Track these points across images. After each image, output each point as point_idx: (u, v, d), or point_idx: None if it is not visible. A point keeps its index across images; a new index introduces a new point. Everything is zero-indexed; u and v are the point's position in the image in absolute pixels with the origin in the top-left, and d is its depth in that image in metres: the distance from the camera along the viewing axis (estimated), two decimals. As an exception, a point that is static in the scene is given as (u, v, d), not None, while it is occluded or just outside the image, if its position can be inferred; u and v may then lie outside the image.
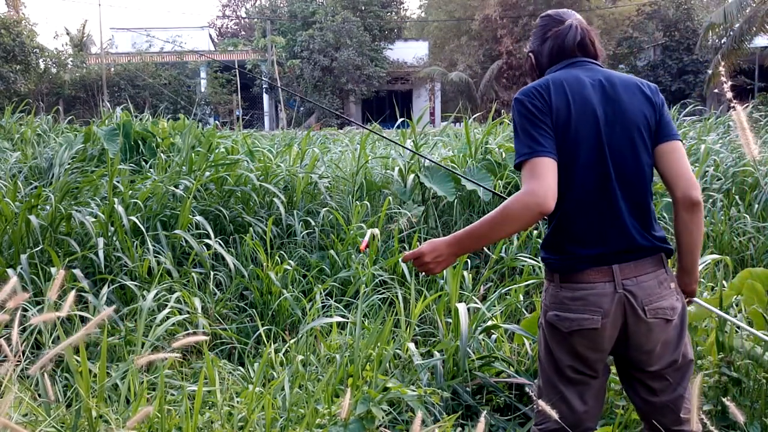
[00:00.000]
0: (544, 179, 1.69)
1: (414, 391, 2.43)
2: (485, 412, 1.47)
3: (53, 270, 3.40)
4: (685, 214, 1.82)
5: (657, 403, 1.84)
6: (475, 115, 8.07)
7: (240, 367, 3.02)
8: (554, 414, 1.57)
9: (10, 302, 1.46)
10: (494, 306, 3.40)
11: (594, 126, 1.77)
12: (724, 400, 1.83)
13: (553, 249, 1.84)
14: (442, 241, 1.85)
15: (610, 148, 1.77)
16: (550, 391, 1.88)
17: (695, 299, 2.07)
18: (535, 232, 4.56)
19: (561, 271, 1.81)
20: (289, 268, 3.90)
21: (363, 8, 28.25)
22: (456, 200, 4.98)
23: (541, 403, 1.63)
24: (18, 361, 1.56)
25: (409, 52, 30.44)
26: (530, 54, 2.05)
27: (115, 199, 4.08)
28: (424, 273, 2.09)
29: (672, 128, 1.84)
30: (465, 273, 3.72)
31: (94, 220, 3.96)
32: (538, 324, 1.96)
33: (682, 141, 1.85)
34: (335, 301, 3.73)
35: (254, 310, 3.71)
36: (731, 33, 17.86)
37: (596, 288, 1.76)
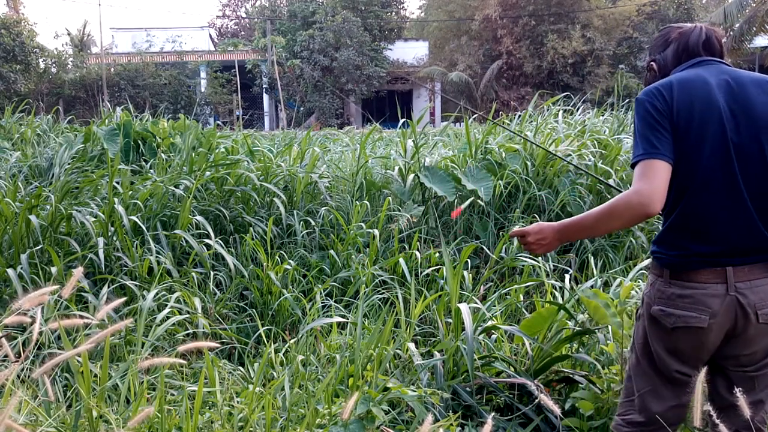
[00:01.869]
0: (652, 181, 1.73)
1: (414, 391, 2.43)
2: (492, 414, 1.47)
3: (53, 270, 3.40)
4: None
5: (735, 402, 1.83)
6: (475, 115, 8.07)
7: (240, 367, 3.02)
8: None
9: (26, 303, 1.46)
10: (494, 306, 3.40)
11: (719, 125, 1.77)
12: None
13: (667, 245, 1.84)
14: (549, 226, 1.96)
15: (736, 147, 1.77)
16: (641, 382, 1.91)
17: None
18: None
19: (672, 268, 1.83)
20: (289, 268, 3.90)
21: (363, 8, 28.25)
22: (456, 200, 4.98)
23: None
24: (17, 360, 1.56)
25: (409, 52, 30.43)
26: (652, 63, 2.03)
27: (116, 199, 4.08)
28: (527, 251, 2.16)
29: None
30: (465, 273, 3.72)
31: (94, 220, 3.97)
32: (636, 316, 1.98)
33: None
34: (335, 301, 3.73)
35: (254, 310, 3.71)
36: (731, 33, 17.85)
37: (707, 288, 1.77)
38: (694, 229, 1.80)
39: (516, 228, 2.03)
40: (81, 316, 2.98)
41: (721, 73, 1.84)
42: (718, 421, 1.41)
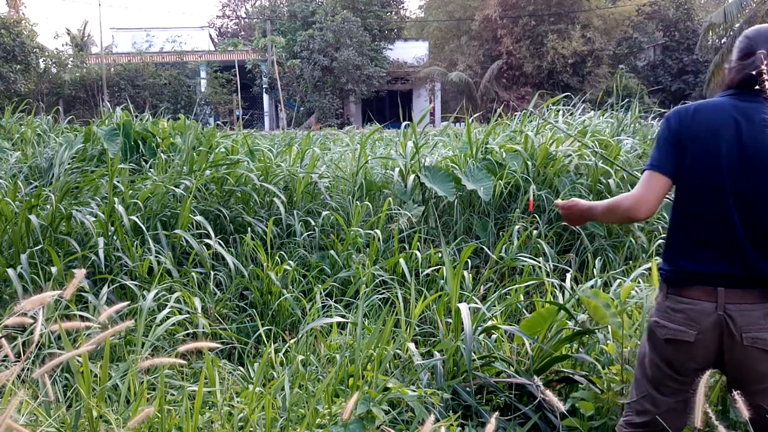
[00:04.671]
0: (645, 191, 1.93)
1: (414, 391, 2.43)
2: (496, 414, 1.47)
3: (53, 269, 3.40)
4: None
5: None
6: (475, 115, 8.07)
7: (240, 367, 3.02)
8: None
9: (27, 304, 1.45)
10: (494, 306, 3.40)
11: (718, 159, 1.86)
12: (729, 397, 1.83)
13: (667, 261, 1.98)
14: (580, 203, 2.21)
15: (734, 183, 1.85)
16: (641, 387, 2.03)
17: None
18: (535, 232, 4.56)
19: (670, 283, 1.95)
20: (289, 268, 3.89)
21: (363, 8, 28.23)
22: (456, 200, 4.98)
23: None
24: (18, 361, 1.56)
25: (409, 52, 30.41)
26: (726, 67, 2.11)
27: (116, 199, 4.08)
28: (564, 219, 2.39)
29: None
30: (465, 273, 3.72)
31: (94, 219, 3.96)
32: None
33: None
34: (335, 301, 3.73)
35: (254, 310, 3.71)
36: (731, 33, 17.87)
37: (697, 305, 1.87)
38: (690, 250, 1.91)
39: (558, 200, 2.34)
40: (82, 318, 2.99)
41: (749, 110, 1.86)
42: (717, 423, 1.41)
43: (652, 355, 1.99)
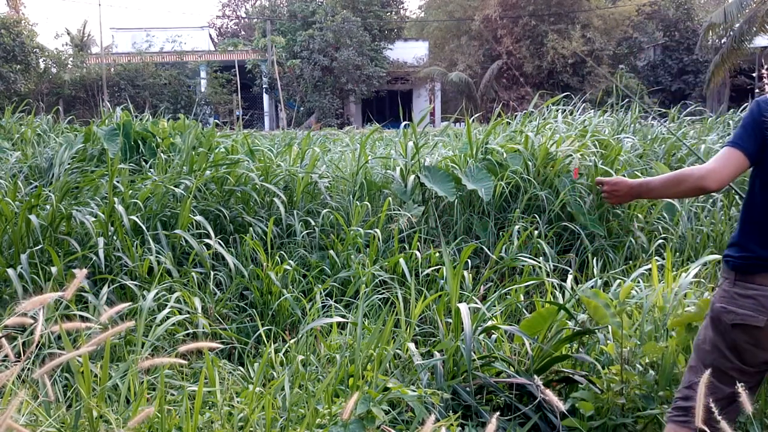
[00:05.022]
0: (720, 164, 1.97)
1: (414, 391, 2.43)
2: (497, 414, 1.47)
3: (53, 269, 3.40)
4: None
5: None
6: (475, 115, 8.08)
7: (240, 367, 3.02)
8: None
9: (28, 305, 1.45)
10: (494, 306, 3.40)
11: None
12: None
13: (737, 248, 2.02)
14: (625, 181, 2.20)
15: None
16: (697, 374, 2.02)
17: None
18: (535, 232, 4.56)
19: (738, 270, 1.99)
20: (289, 268, 3.89)
21: (363, 8, 28.23)
22: (456, 200, 4.98)
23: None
24: (18, 361, 1.56)
25: (409, 52, 30.42)
26: None
27: (116, 199, 4.08)
28: (603, 198, 2.40)
29: None
30: (465, 273, 3.72)
31: (94, 219, 3.96)
32: (704, 316, 2.15)
33: None
34: (335, 301, 3.73)
35: (254, 310, 3.71)
36: (731, 33, 17.87)
37: (767, 290, 1.92)
38: (762, 235, 1.98)
39: (599, 178, 2.30)
40: (82, 318, 2.99)
41: None
42: (719, 418, 1.41)
43: (718, 343, 2.01)
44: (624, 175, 5.17)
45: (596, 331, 2.89)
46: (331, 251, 4.24)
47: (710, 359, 2.02)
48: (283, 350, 3.04)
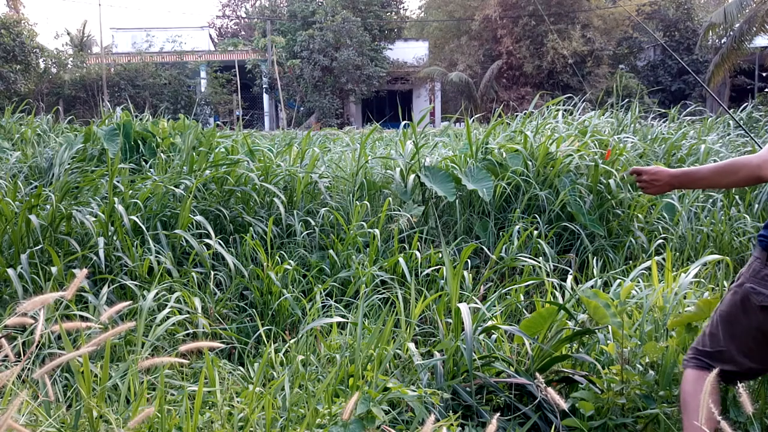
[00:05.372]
0: None
1: (414, 391, 2.43)
2: (497, 414, 1.47)
3: (53, 269, 3.40)
4: None
5: None
6: (475, 115, 8.09)
7: (240, 367, 3.02)
8: None
9: (29, 305, 1.46)
10: (494, 306, 3.40)
11: None
12: (728, 396, 1.84)
13: None
14: (666, 170, 2.14)
15: None
16: (716, 342, 2.08)
17: None
18: (535, 232, 4.56)
19: None
20: (289, 268, 3.89)
21: (363, 8, 28.24)
22: (456, 200, 4.98)
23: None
24: (18, 361, 1.56)
25: (409, 52, 30.43)
26: None
27: (116, 199, 4.08)
28: (640, 188, 2.30)
29: None
30: (465, 273, 3.72)
31: (94, 219, 3.96)
32: (729, 288, 2.14)
33: None
34: (335, 301, 3.73)
35: (254, 310, 3.71)
36: (731, 33, 17.87)
37: None
38: None
39: (635, 167, 2.19)
40: (82, 318, 2.99)
41: None
42: (719, 418, 1.41)
43: (744, 322, 2.01)
44: (624, 176, 5.17)
45: (596, 331, 2.89)
46: (331, 251, 4.24)
47: (738, 334, 2.03)
48: (283, 350, 3.04)
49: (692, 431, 2.08)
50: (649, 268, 3.36)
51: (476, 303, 3.23)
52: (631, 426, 2.53)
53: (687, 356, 2.23)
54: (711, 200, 5.38)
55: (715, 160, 6.17)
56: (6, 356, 1.59)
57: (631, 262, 4.58)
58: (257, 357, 3.20)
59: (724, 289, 2.81)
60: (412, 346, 2.82)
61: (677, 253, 4.62)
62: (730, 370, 2.04)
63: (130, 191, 4.49)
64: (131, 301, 3.20)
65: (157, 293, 3.28)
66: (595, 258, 4.37)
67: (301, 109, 27.00)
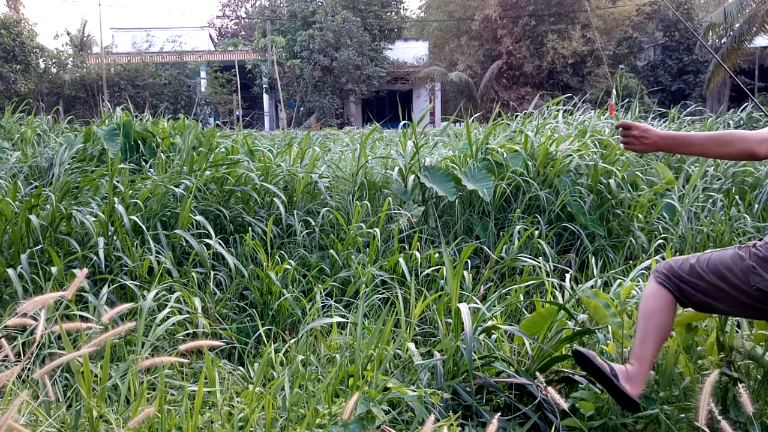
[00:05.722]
0: None
1: (414, 391, 2.43)
2: (497, 415, 1.47)
3: (53, 269, 3.40)
4: None
5: None
6: (475, 115, 8.09)
7: (240, 367, 3.02)
8: None
9: (29, 306, 1.46)
10: (494, 306, 3.40)
11: None
12: (729, 396, 1.84)
13: None
14: (655, 131, 2.12)
15: None
16: (694, 275, 2.11)
17: None
18: (536, 232, 4.56)
19: None
20: (289, 268, 3.89)
21: (363, 8, 28.24)
22: (456, 200, 4.98)
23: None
24: (18, 361, 1.56)
25: (409, 52, 30.44)
26: None
27: (116, 199, 4.08)
28: (623, 145, 2.26)
29: None
30: (465, 273, 3.72)
31: (94, 219, 3.96)
32: (737, 246, 2.14)
33: None
34: (335, 301, 3.73)
35: (254, 310, 3.71)
36: (731, 33, 17.88)
37: None
38: None
39: (624, 121, 2.16)
40: (82, 318, 2.99)
41: None
42: (720, 417, 1.42)
43: (735, 283, 2.03)
44: (624, 176, 5.17)
45: (596, 331, 2.89)
46: (331, 251, 4.24)
47: (724, 287, 2.05)
48: (283, 350, 3.04)
49: (644, 346, 2.14)
50: (649, 268, 3.36)
51: (476, 303, 3.23)
52: (631, 426, 2.53)
53: (659, 269, 2.22)
54: (711, 200, 5.38)
55: (714, 160, 6.17)
56: (6, 356, 1.59)
57: (631, 262, 4.58)
58: (257, 357, 3.20)
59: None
60: (412, 346, 2.82)
61: (677, 253, 4.62)
62: (695, 301, 2.10)
63: (130, 191, 4.49)
64: (131, 302, 3.21)
65: (157, 293, 3.28)
66: (595, 258, 4.37)
67: (301, 109, 27.00)
